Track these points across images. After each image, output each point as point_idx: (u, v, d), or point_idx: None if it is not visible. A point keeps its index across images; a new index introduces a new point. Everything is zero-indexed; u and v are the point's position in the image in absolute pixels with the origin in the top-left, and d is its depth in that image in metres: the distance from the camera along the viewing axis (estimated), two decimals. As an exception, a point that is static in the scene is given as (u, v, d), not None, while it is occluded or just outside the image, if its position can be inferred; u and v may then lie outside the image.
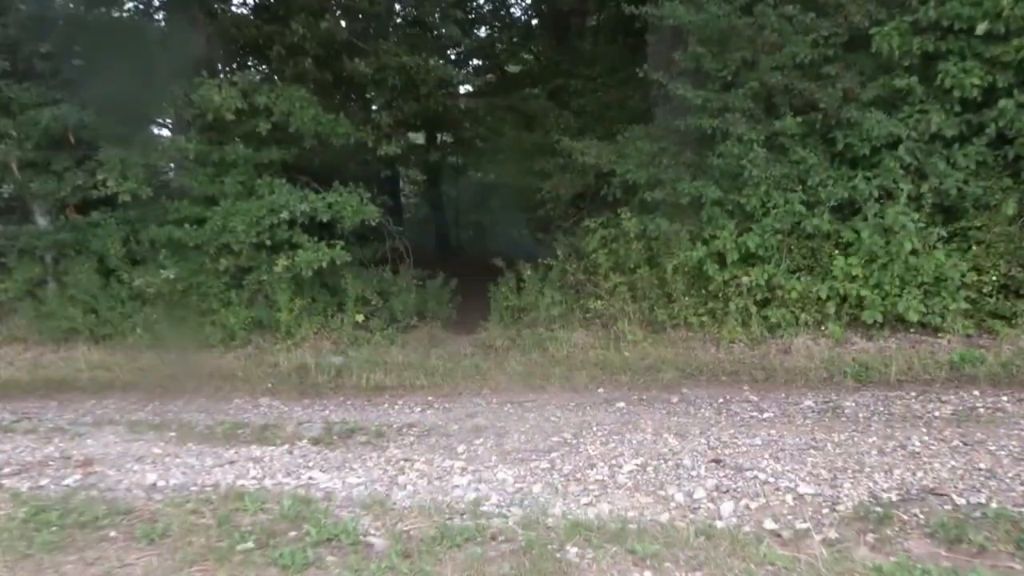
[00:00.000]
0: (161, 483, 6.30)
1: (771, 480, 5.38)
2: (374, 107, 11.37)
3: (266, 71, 10.75)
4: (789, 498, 5.07)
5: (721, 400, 7.49)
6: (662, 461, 5.92)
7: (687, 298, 9.60)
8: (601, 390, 8.26)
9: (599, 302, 10.01)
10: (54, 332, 11.37)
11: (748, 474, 5.53)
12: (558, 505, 5.30)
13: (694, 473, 5.64)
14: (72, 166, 11.66)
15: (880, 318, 8.69)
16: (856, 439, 6.07)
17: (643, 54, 13.00)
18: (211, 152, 11.00)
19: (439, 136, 21.07)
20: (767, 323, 9.13)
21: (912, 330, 8.75)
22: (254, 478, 6.27)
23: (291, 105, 10.55)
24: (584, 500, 5.35)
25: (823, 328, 8.97)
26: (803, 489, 5.18)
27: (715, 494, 5.24)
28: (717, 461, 5.81)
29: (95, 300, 11.36)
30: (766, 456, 5.84)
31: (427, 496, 5.59)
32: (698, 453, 6.04)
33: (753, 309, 9.18)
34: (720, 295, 9.45)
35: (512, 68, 14.82)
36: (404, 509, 5.34)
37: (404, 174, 24.39)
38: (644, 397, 7.83)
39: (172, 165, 11.41)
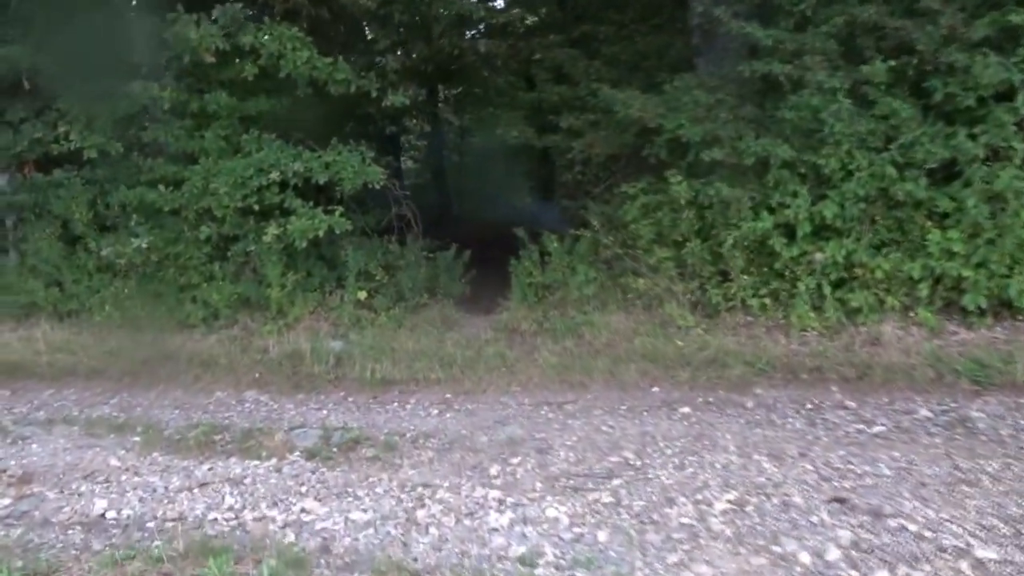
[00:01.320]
0: (111, 514, 4.88)
1: (928, 534, 3.96)
2: (378, 50, 9.76)
3: (252, 7, 9.08)
4: (966, 567, 3.66)
5: (809, 406, 6.07)
6: (763, 497, 4.49)
7: (747, 277, 8.14)
8: (656, 389, 6.83)
9: (641, 280, 8.55)
10: (11, 308, 9.90)
11: (891, 523, 4.09)
12: (637, 563, 3.90)
13: (814, 519, 4.21)
14: (30, 116, 10.13)
15: (983, 303, 7.26)
16: (1017, 469, 4.65)
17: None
18: (189, 101, 9.44)
19: (441, 90, 19.37)
20: (844, 307, 7.69)
21: (1021, 317, 7.32)
22: (230, 509, 4.86)
23: (281, 46, 8.96)
24: (671, 558, 3.94)
25: (912, 314, 7.54)
26: (982, 552, 3.76)
27: (856, 555, 3.83)
28: (840, 500, 4.38)
29: (58, 271, 9.88)
30: (904, 494, 4.40)
31: (457, 545, 4.19)
32: (808, 486, 4.61)
33: (828, 291, 7.74)
34: (787, 274, 7.99)
35: (530, 18, 13.15)
36: (430, 571, 3.94)
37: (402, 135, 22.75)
38: (711, 400, 6.40)
39: (145, 117, 9.83)
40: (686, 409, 6.17)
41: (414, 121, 11.11)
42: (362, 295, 9.38)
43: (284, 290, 9.19)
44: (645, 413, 6.17)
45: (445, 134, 23.64)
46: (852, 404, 6.01)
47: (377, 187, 9.40)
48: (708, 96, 8.38)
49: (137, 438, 6.34)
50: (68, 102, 9.44)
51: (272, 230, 8.93)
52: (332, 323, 9.07)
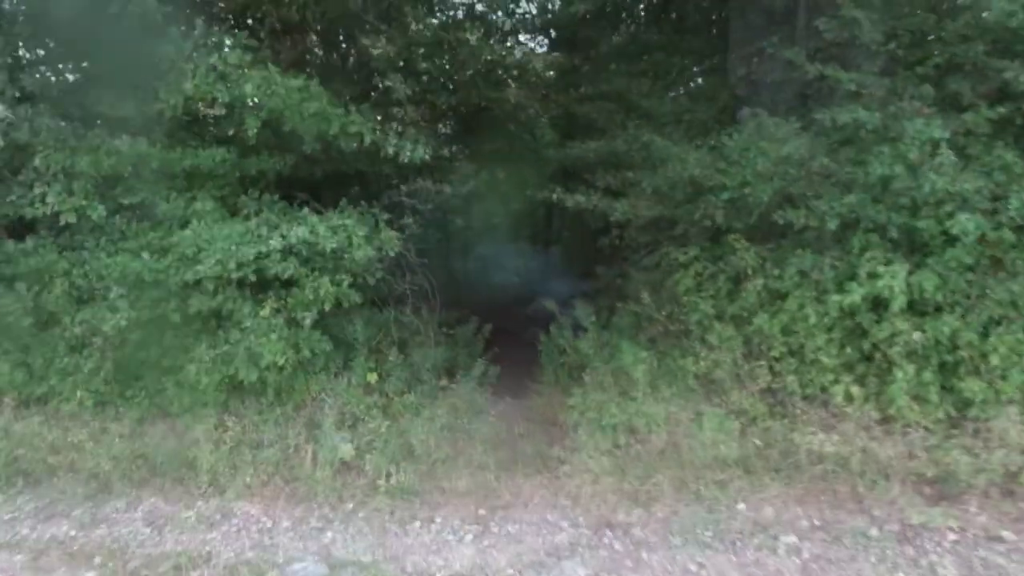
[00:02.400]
0: None
1: None
2: (394, 99, 8.64)
3: (255, 51, 7.98)
4: None
5: (953, 537, 4.72)
6: None
7: (828, 359, 6.85)
8: (742, 506, 5.48)
9: (701, 361, 7.26)
10: (-28, 393, 8.59)
11: None
12: None
13: None
14: (4, 176, 8.97)
15: None
16: None
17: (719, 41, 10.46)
18: (181, 159, 8.31)
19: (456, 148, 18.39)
20: (953, 397, 6.39)
21: None
22: None
23: (287, 98, 7.85)
24: None
25: (1034, 406, 6.24)
26: None
27: None
28: None
29: (26, 351, 8.60)
30: None
31: None
32: None
33: (930, 378, 6.45)
34: (877, 356, 6.71)
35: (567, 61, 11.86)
36: None
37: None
38: (819, 524, 5.05)
39: (131, 176, 8.66)
40: (791, 539, 4.82)
41: (430, 180, 9.89)
42: (372, 378, 8.09)
43: (283, 373, 7.90)
44: (738, 542, 4.81)
45: (450, 197, 22.62)
46: (1011, 536, 4.66)
47: (391, 254, 8.19)
48: (776, 148, 7.19)
49: (93, 574, 4.98)
50: (45, 158, 8.28)
51: (271, 303, 7.69)
52: (338, 411, 7.73)
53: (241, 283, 7.98)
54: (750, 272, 7.18)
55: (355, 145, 7.95)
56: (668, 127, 9.55)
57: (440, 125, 9.35)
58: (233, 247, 7.75)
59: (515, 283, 19.19)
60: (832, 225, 6.63)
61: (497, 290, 19.90)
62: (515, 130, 10.53)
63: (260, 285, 7.99)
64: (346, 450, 7.02)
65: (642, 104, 9.55)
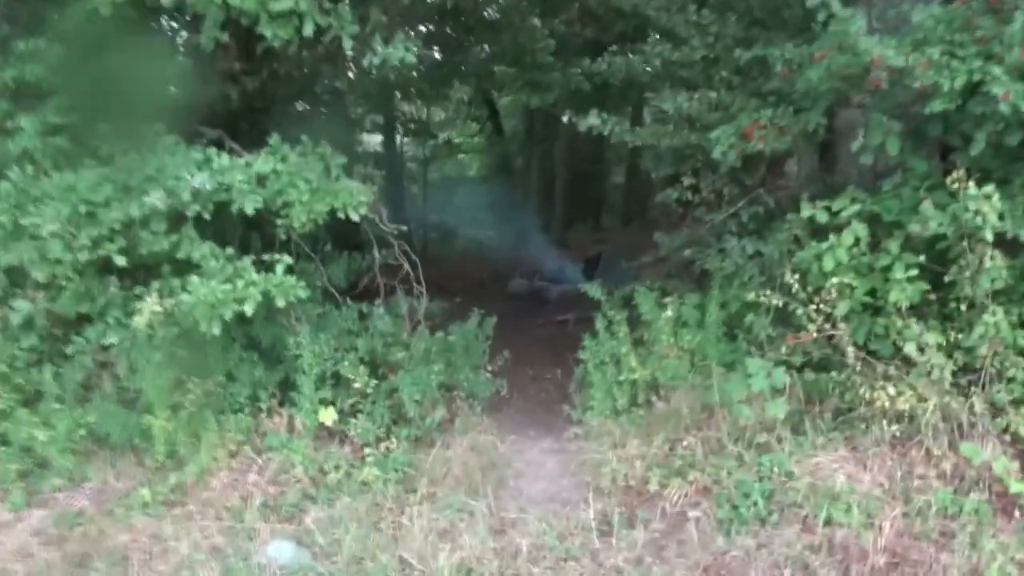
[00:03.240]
0: None
1: None
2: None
3: None
4: None
5: None
6: None
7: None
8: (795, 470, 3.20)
9: (890, 389, 4.30)
10: None
11: None
12: None
13: None
14: None
15: None
16: None
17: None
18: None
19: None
20: None
21: None
22: None
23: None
24: None
25: None
26: None
27: None
28: None
29: None
30: None
31: None
32: None
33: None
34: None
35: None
36: None
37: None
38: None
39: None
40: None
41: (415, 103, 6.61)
42: (329, 417, 5.01)
43: (177, 416, 4.78)
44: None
45: (402, 155, 19.20)
46: None
47: (356, 217, 5.05)
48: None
49: None
50: None
51: (150, 305, 4.51)
52: (273, 485, 4.66)
53: (102, 269, 4.78)
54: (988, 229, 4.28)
55: (287, 37, 4.71)
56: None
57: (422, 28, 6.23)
58: (82, 208, 4.52)
59: (493, 250, 16.08)
60: None
61: (467, 258, 16.77)
62: (510, 41, 7.31)
63: (134, 272, 4.82)
64: (291, 563, 3.98)
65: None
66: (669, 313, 5.38)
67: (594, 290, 5.80)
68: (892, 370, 4.43)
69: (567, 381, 7.48)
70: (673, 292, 5.90)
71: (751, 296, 5.38)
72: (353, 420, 5.02)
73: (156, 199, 4.51)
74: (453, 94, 6.18)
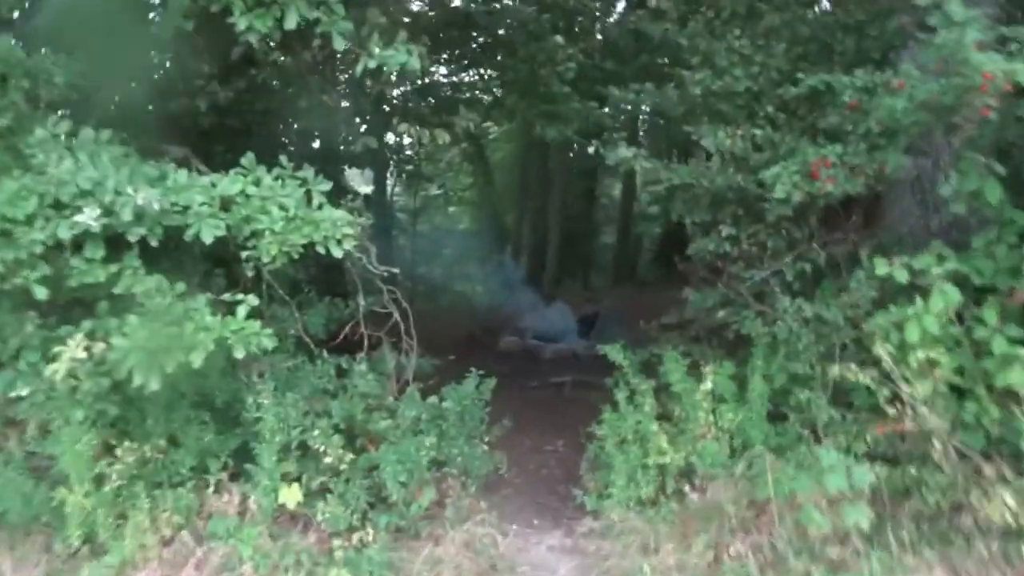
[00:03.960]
0: None
1: None
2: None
3: None
4: None
5: None
6: None
7: None
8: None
9: (1014, 500, 3.35)
10: None
11: None
12: None
13: None
14: None
15: None
16: None
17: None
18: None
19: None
20: None
21: None
22: None
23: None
24: None
25: None
26: None
27: None
28: None
29: None
30: None
31: None
32: None
33: None
34: None
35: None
36: None
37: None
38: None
39: None
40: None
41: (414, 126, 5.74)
42: (292, 497, 3.97)
43: (99, 491, 3.73)
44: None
45: (393, 204, 18.33)
46: None
47: (339, 253, 4.09)
48: None
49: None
50: None
51: (72, 350, 3.51)
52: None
53: (14, 302, 3.77)
54: None
55: (263, 29, 3.81)
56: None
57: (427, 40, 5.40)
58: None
59: (482, 305, 15.06)
60: None
61: (455, 313, 15.73)
62: (525, 59, 6.32)
63: (55, 310, 3.81)
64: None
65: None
66: (708, 386, 4.43)
67: (616, 353, 4.83)
68: (993, 469, 3.51)
69: (570, 455, 6.48)
70: (702, 360, 4.97)
71: (802, 368, 4.47)
72: (321, 503, 3.97)
73: (89, 217, 3.53)
74: (457, 122, 5.30)
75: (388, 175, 14.55)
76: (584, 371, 9.96)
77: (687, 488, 4.33)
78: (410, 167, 11.88)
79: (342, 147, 6.44)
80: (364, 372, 4.56)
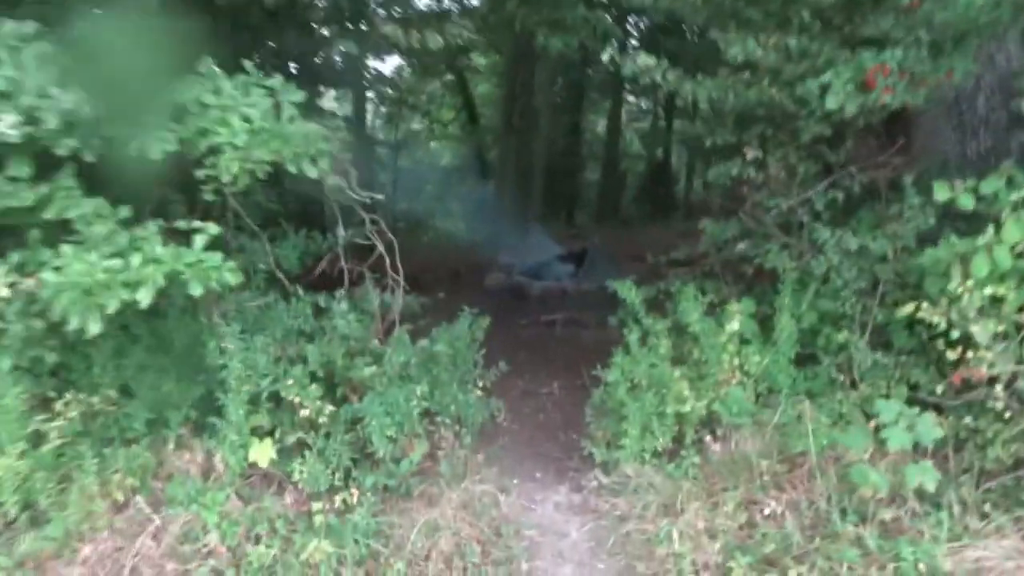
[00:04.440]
0: None
1: None
2: None
3: None
4: None
5: None
6: None
7: None
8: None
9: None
10: None
11: None
12: None
13: None
14: None
15: None
16: None
17: None
18: None
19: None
20: None
21: None
22: None
23: None
24: None
25: None
26: None
27: None
28: None
29: None
30: None
31: None
32: None
33: None
34: None
35: None
36: None
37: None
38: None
39: None
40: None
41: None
42: (264, 454, 3.41)
43: (37, 452, 3.16)
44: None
45: (373, 139, 17.52)
46: None
47: (313, 173, 3.45)
48: None
49: None
50: None
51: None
52: (173, 559, 3.05)
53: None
54: None
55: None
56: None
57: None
58: None
59: (466, 242, 14.39)
60: None
61: (439, 251, 15.07)
62: None
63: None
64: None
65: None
66: (735, 326, 3.88)
67: (625, 290, 4.25)
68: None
69: (567, 398, 5.98)
70: (715, 297, 4.42)
71: (836, 306, 3.93)
72: (298, 461, 3.42)
73: (6, 125, 2.86)
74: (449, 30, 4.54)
75: (367, 105, 13.74)
76: (575, 308, 9.43)
77: (708, 439, 3.83)
78: (391, 93, 11.06)
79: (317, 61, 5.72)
80: (345, 311, 3.95)
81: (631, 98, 21.95)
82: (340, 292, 4.26)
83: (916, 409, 3.01)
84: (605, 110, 21.82)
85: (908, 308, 3.31)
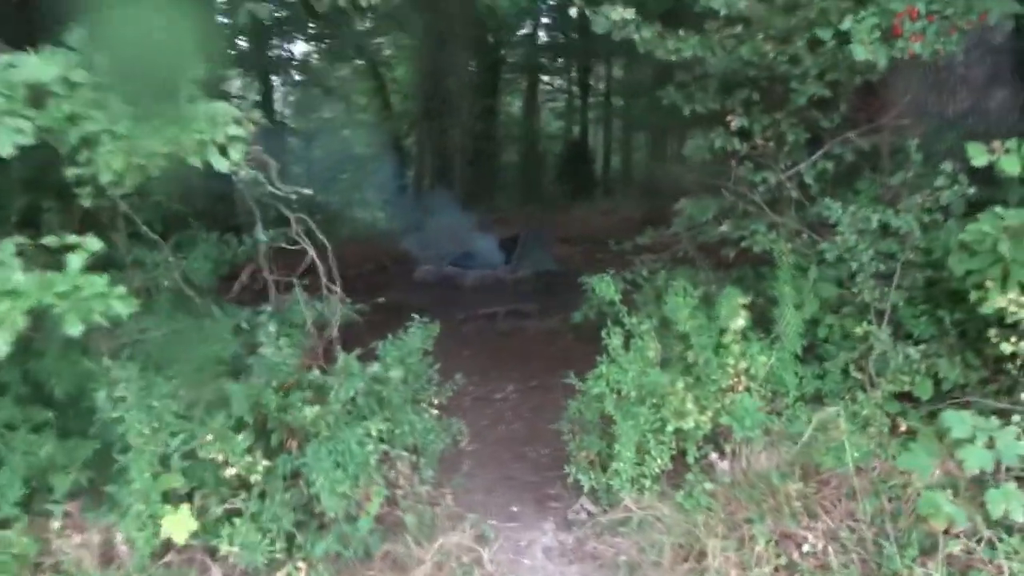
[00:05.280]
0: None
1: None
2: None
3: None
4: None
5: None
6: None
7: None
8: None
9: None
10: None
11: None
12: None
13: None
14: None
15: None
16: None
17: None
18: None
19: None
20: None
21: None
22: None
23: None
24: None
25: None
26: None
27: None
28: None
29: None
30: None
31: None
32: None
33: None
34: None
35: None
36: None
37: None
38: None
39: None
40: None
41: None
42: (181, 527, 2.62)
43: None
44: None
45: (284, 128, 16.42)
46: None
47: (223, 167, 2.65)
48: None
49: None
50: None
51: None
52: None
53: None
54: None
55: None
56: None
57: None
58: None
59: (388, 233, 13.48)
60: None
61: (359, 243, 14.12)
62: None
63: None
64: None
65: None
66: (740, 322, 3.27)
67: (604, 286, 3.58)
68: None
69: (525, 402, 5.31)
70: (699, 285, 3.80)
71: (861, 293, 3.36)
72: (227, 530, 2.64)
73: None
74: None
75: (276, 90, 12.70)
76: (514, 299, 8.77)
77: (714, 456, 3.23)
78: (300, 76, 10.11)
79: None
80: (272, 333, 3.15)
81: (545, 78, 21.43)
82: (266, 308, 3.47)
83: (993, 420, 2.46)
84: (520, 91, 21.22)
85: (981, 297, 2.75)
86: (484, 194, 18.65)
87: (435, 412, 3.68)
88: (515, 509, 3.48)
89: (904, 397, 3.32)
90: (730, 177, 3.79)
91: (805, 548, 2.66)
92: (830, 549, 2.63)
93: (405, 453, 3.39)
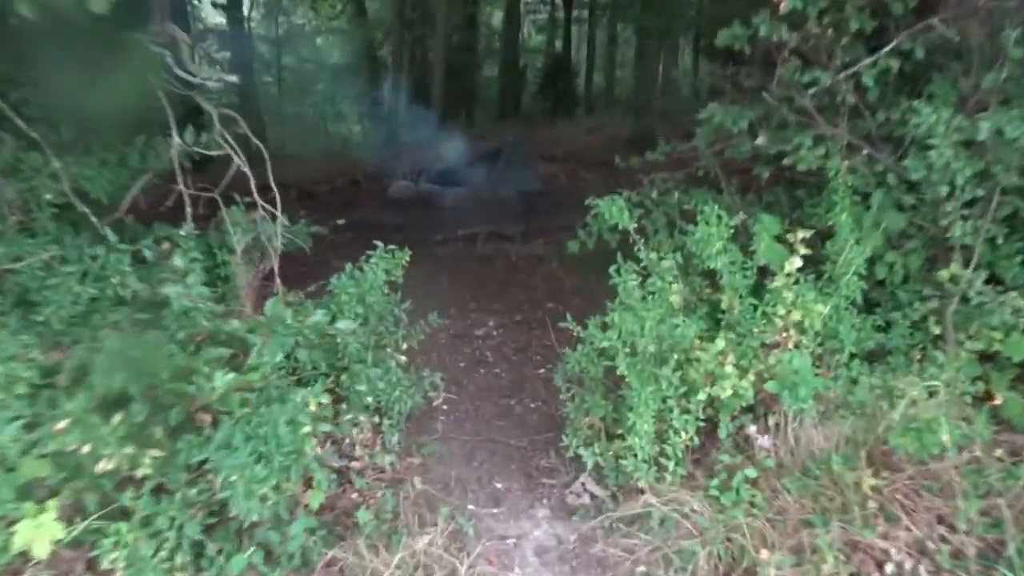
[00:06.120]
0: None
1: None
2: None
3: None
4: None
5: None
6: None
7: None
8: None
9: None
10: None
11: None
12: None
13: None
14: None
15: None
16: None
17: None
18: None
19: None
20: None
21: None
22: None
23: None
24: None
25: None
26: None
27: None
28: None
29: None
30: None
31: None
32: None
33: None
34: None
35: None
36: None
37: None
38: None
39: None
40: None
41: None
42: (42, 537, 1.85)
43: None
44: None
45: (251, 35, 15.02)
46: None
47: (99, 8, 1.72)
48: None
49: None
50: None
51: None
52: None
53: None
54: None
55: None
56: None
57: None
58: None
59: (363, 147, 12.44)
60: None
61: (333, 157, 13.03)
62: None
63: None
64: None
65: None
66: (798, 261, 2.49)
67: (616, 211, 2.75)
68: None
69: (508, 341, 4.53)
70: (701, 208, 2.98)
71: (955, 228, 2.57)
72: (111, 537, 1.87)
73: None
74: None
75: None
76: (496, 219, 7.92)
77: (752, 429, 2.49)
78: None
79: None
80: (182, 268, 2.30)
81: (528, -12, 19.99)
82: (180, 232, 2.60)
83: None
84: (502, 2, 19.80)
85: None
86: (462, 108, 17.54)
87: (402, 359, 2.93)
88: (500, 486, 2.73)
89: (987, 359, 2.60)
90: (762, 78, 2.92)
91: (888, 568, 1.94)
92: (921, 570, 1.92)
93: (363, 418, 2.63)
